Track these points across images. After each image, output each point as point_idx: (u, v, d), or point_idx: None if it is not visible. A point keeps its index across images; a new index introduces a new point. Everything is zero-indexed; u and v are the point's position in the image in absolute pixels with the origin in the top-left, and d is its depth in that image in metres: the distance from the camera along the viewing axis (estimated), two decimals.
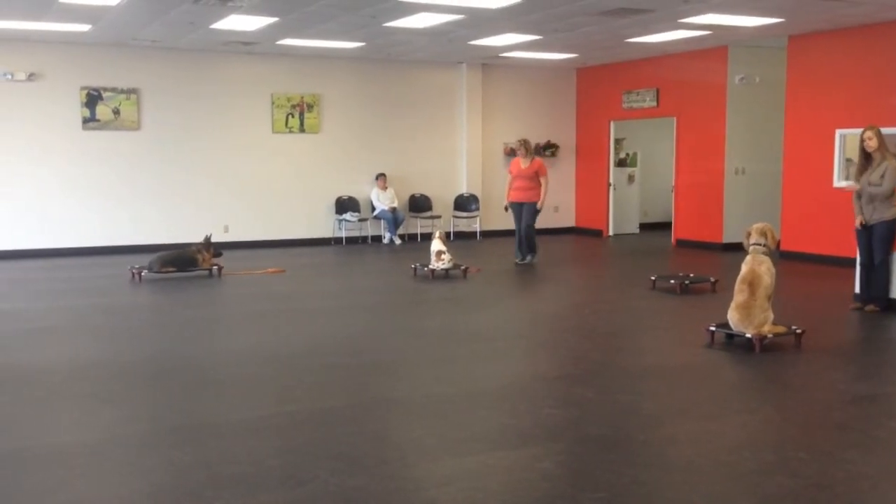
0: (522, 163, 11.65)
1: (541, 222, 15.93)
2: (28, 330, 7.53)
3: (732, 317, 6.59)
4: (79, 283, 10.37)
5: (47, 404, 5.25)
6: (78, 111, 12.88)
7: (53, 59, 12.64)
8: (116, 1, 9.35)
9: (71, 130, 12.86)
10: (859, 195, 8.06)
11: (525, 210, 11.69)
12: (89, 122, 12.95)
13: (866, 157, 7.99)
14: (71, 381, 5.81)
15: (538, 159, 11.88)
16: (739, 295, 6.55)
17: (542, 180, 11.64)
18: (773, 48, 12.74)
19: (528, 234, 11.75)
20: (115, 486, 3.91)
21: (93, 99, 12.94)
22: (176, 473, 4.01)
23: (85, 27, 11.10)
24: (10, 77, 12.38)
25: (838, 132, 11.46)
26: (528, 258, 11.80)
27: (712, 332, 6.75)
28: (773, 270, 6.60)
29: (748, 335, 6.45)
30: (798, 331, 6.62)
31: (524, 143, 11.75)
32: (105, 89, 12.99)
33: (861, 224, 8.05)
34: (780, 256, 11.58)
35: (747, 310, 6.48)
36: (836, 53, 11.49)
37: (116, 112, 13.09)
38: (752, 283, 6.49)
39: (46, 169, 12.74)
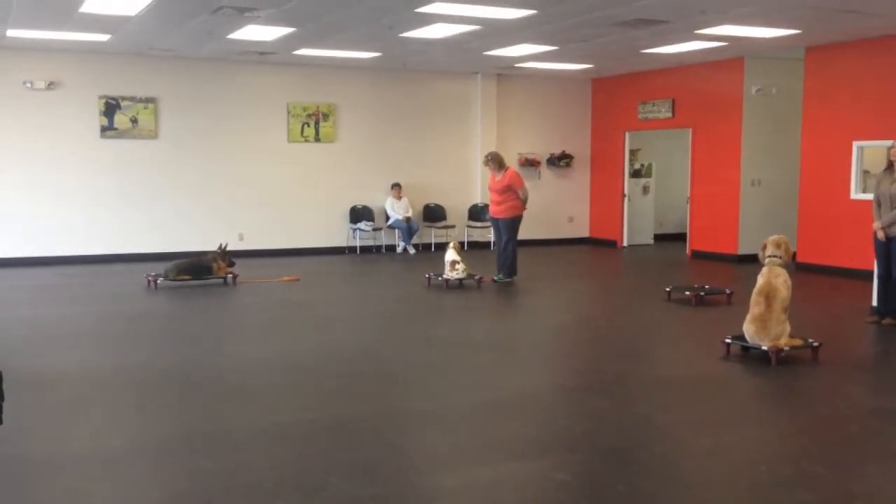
0: (496, 177, 10.89)
1: (555, 232, 16.09)
2: (48, 336, 7.59)
3: (748, 329, 6.56)
4: (96, 289, 10.44)
5: (67, 411, 5.29)
6: (96, 120, 12.98)
7: (72, 68, 12.75)
8: (136, 11, 9.43)
9: (89, 139, 12.95)
10: (878, 203, 7.99)
11: (501, 225, 10.89)
12: (107, 130, 13.05)
13: (889, 167, 7.95)
14: (90, 387, 5.85)
15: (511, 170, 10.96)
16: (756, 307, 6.52)
17: (520, 192, 10.76)
18: (789, 59, 12.70)
19: (505, 253, 10.89)
20: (135, 493, 3.94)
21: (111, 108, 13.04)
22: (194, 481, 4.03)
23: (104, 37, 11.20)
24: (29, 86, 12.50)
25: (855, 144, 11.41)
26: (500, 277, 10.88)
27: (728, 344, 6.72)
28: (790, 283, 6.57)
29: (764, 348, 6.42)
30: (815, 344, 6.58)
31: (492, 156, 10.97)
32: (123, 98, 13.10)
33: (885, 236, 7.95)
34: (797, 269, 11.53)
35: (763, 322, 6.45)
36: (853, 65, 11.45)
37: (134, 121, 13.18)
38: (768, 296, 6.46)
39: (65, 177, 12.83)
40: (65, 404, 5.43)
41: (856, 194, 11.43)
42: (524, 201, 10.89)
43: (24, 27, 10.56)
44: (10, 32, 10.90)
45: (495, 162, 10.93)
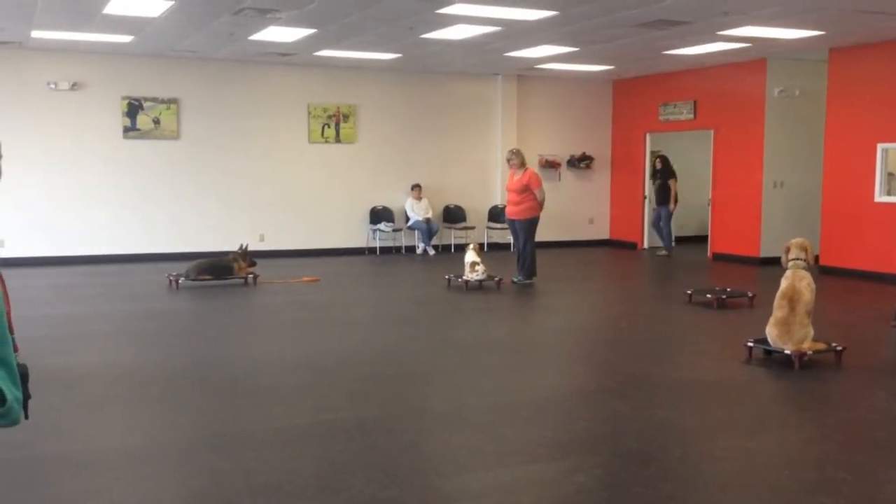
0: (515, 175, 10.79)
1: (576, 234, 16.03)
2: (70, 335, 7.65)
3: (771, 332, 6.51)
4: (118, 289, 10.52)
5: (89, 409, 5.33)
6: (119, 120, 13.08)
7: (96, 69, 12.86)
8: (159, 13, 9.50)
9: (112, 139, 13.06)
10: None
11: (518, 227, 10.81)
12: (130, 131, 13.15)
13: None
14: (112, 386, 5.89)
15: (530, 170, 10.87)
16: (779, 310, 6.46)
17: (537, 192, 10.63)
18: (813, 61, 12.59)
19: (523, 255, 10.81)
20: (155, 491, 3.96)
21: (134, 108, 13.14)
22: (214, 480, 4.04)
23: (127, 38, 11.29)
24: (53, 86, 12.62)
25: (880, 146, 11.29)
26: (519, 279, 10.80)
27: (750, 347, 6.67)
28: (814, 286, 6.51)
29: (787, 351, 6.36)
30: (838, 348, 6.51)
31: (516, 152, 10.85)
32: (146, 99, 13.19)
33: None
34: (820, 272, 11.41)
35: (787, 325, 6.39)
36: (877, 66, 11.33)
37: (157, 121, 13.28)
38: (791, 299, 6.40)
39: (88, 177, 12.94)
40: (86, 403, 5.47)
41: (880, 197, 11.31)
42: (541, 203, 10.84)
43: (49, 28, 10.67)
44: (35, 33, 11.01)
45: (519, 158, 10.83)
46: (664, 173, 14.57)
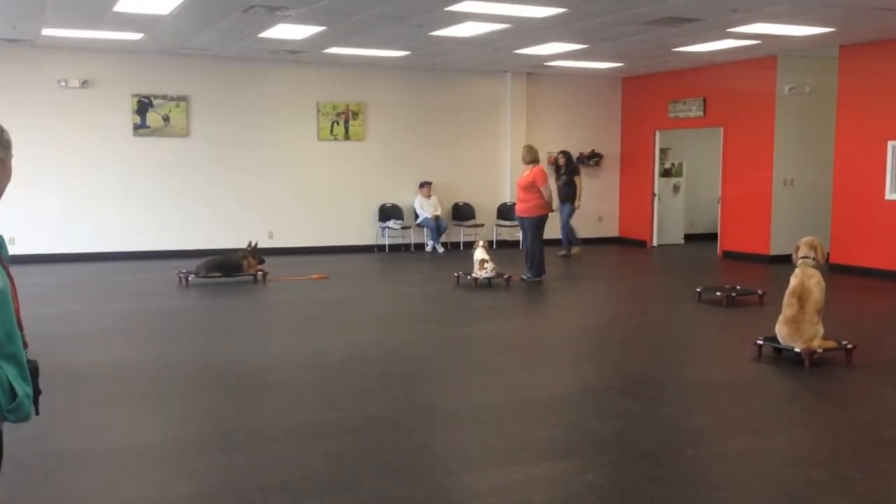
0: (524, 171, 10.86)
1: (585, 232, 15.98)
2: (80, 332, 7.68)
3: (781, 331, 6.49)
4: (128, 286, 10.55)
5: (100, 406, 5.36)
6: (129, 118, 13.12)
7: (106, 66, 12.90)
8: (168, 10, 9.52)
9: (122, 137, 13.10)
10: None
11: (526, 224, 10.89)
12: (140, 128, 13.18)
13: None
14: (122, 383, 5.91)
15: (537, 167, 10.80)
16: (788, 308, 6.44)
17: (543, 189, 10.64)
18: (823, 57, 12.54)
19: (531, 252, 10.81)
20: (166, 488, 3.98)
21: (143, 106, 13.18)
22: (225, 477, 4.06)
23: (137, 36, 11.31)
24: (64, 84, 12.66)
25: (890, 143, 11.24)
26: (528, 276, 10.80)
27: (760, 345, 6.65)
28: (823, 284, 6.48)
29: (797, 349, 6.35)
30: (849, 346, 6.49)
31: (526, 149, 10.95)
32: (155, 96, 13.22)
33: None
34: (830, 270, 11.36)
35: (796, 324, 6.37)
36: (888, 63, 11.27)
37: (166, 119, 13.31)
38: (801, 297, 6.38)
39: (98, 174, 12.98)
40: (97, 400, 5.49)
41: (891, 194, 11.26)
42: (549, 201, 10.84)
43: (59, 26, 10.70)
44: (45, 31, 11.05)
45: (523, 152, 10.95)
46: (569, 170, 14.13)
